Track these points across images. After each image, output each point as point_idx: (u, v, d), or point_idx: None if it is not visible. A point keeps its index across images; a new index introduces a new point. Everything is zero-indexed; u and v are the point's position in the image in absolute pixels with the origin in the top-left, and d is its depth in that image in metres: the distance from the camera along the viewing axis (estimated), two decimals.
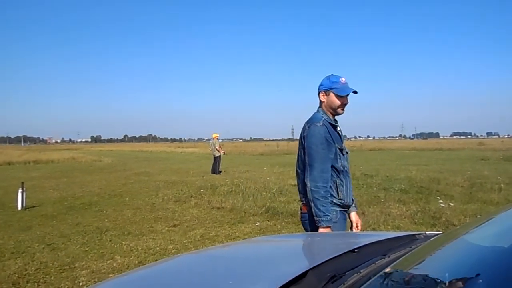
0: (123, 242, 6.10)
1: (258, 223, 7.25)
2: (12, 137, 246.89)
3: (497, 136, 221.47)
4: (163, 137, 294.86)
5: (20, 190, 8.97)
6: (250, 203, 8.89)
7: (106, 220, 7.78)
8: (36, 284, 4.32)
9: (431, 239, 1.72)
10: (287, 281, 1.32)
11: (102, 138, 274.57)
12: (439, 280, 1.23)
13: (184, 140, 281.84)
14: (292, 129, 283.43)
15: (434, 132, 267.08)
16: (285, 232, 6.63)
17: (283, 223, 7.25)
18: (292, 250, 1.93)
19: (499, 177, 12.32)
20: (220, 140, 18.10)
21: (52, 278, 4.51)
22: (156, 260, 5.10)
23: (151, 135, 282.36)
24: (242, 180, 12.63)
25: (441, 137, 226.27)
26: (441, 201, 8.49)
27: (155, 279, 1.61)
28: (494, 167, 17.61)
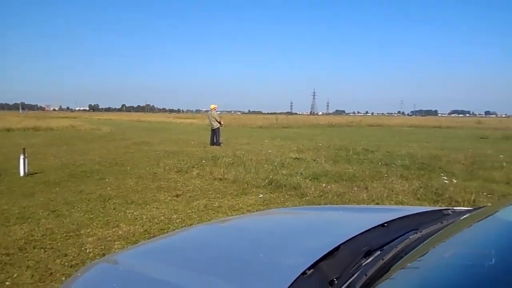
0: (127, 211, 6.09)
1: (261, 195, 7.24)
2: (10, 103, 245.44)
3: (495, 115, 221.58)
4: (161, 108, 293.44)
5: (22, 157, 8.92)
6: (253, 175, 8.87)
7: (108, 189, 7.77)
8: (42, 250, 4.31)
9: (464, 216, 1.68)
10: (321, 255, 1.28)
11: (100, 107, 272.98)
12: (477, 257, 1.19)
13: (183, 111, 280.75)
14: (291, 103, 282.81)
15: (433, 109, 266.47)
16: (288, 204, 6.63)
17: (286, 196, 7.24)
18: (317, 223, 1.89)
19: (500, 156, 12.33)
20: (218, 112, 17.84)
21: (59, 244, 4.51)
22: (162, 230, 5.11)
23: (149, 105, 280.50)
24: (243, 152, 12.59)
25: (439, 115, 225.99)
26: (445, 177, 8.48)
27: (183, 249, 1.57)
28: (494, 146, 17.62)
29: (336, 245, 1.36)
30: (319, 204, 6.58)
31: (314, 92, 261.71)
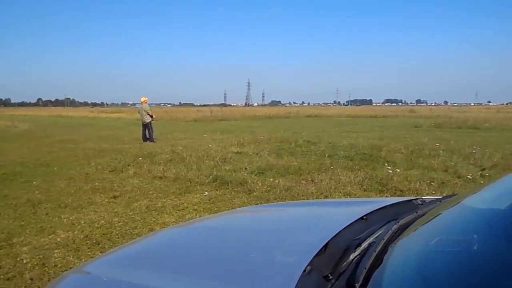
0: (62, 216, 5.88)
1: (206, 193, 7.24)
2: None
3: (425, 104, 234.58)
4: (82, 101, 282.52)
5: None
6: (195, 172, 8.84)
7: (36, 192, 7.43)
8: None
9: (435, 204, 1.82)
10: (314, 254, 1.35)
11: (12, 102, 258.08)
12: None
13: (107, 104, 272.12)
14: (225, 94, 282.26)
15: (368, 99, 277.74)
16: (236, 201, 6.68)
17: (233, 192, 7.29)
18: (296, 220, 1.95)
19: (437, 144, 13.13)
20: (147, 105, 17.43)
21: None
22: (104, 235, 4.99)
23: (69, 98, 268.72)
24: (181, 148, 12.49)
25: (374, 104, 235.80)
26: (389, 167, 8.92)
27: (161, 256, 1.57)
28: (427, 134, 18.71)
29: (325, 241, 1.43)
30: (268, 200, 6.71)
31: (248, 83, 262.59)
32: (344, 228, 1.59)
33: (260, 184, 7.66)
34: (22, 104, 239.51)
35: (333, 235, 1.50)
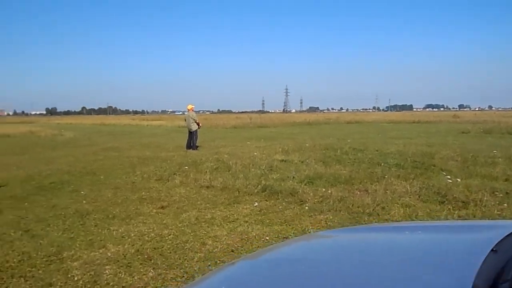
0: (111, 227, 5.71)
1: (256, 203, 6.96)
2: None
3: (468, 109, 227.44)
4: (124, 109, 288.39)
5: None
6: (242, 181, 8.57)
7: (84, 202, 7.35)
8: (22, 279, 3.91)
9: None
10: None
11: (58, 111, 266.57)
12: None
13: (147, 112, 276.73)
14: (263, 101, 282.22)
15: (408, 104, 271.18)
16: (289, 213, 6.36)
17: (283, 203, 6.98)
18: (403, 250, 1.58)
19: (494, 151, 12.41)
20: (194, 112, 17.34)
21: (40, 271, 4.10)
22: (155, 249, 4.76)
23: (111, 107, 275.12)
24: (225, 156, 12.26)
25: (414, 109, 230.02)
26: (448, 176, 8.40)
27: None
28: (478, 141, 17.87)
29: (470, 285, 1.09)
30: (322, 212, 6.36)
31: (286, 89, 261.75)
32: (481, 266, 1.23)
33: (311, 194, 7.31)
34: (67, 113, 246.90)
35: (472, 277, 1.15)
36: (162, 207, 6.90)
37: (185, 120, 17.17)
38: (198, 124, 16.68)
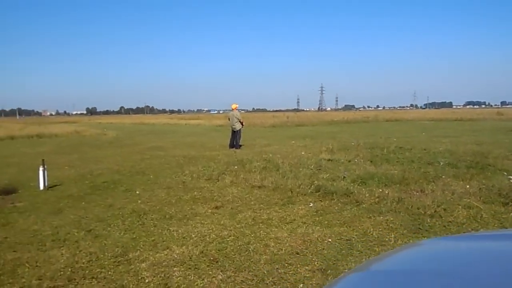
0: (170, 228, 5.71)
1: (311, 204, 6.85)
2: (7, 110, 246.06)
3: (511, 106, 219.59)
4: (160, 109, 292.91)
5: (41, 168, 8.58)
6: (293, 180, 8.46)
7: (139, 201, 7.41)
8: (95, 280, 3.92)
9: None
10: None
11: (97, 110, 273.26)
12: None
13: (183, 111, 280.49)
14: (298, 99, 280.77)
15: (447, 101, 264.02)
16: (346, 214, 6.22)
17: (339, 204, 6.84)
18: None
19: None
20: (238, 111, 17.34)
21: (110, 272, 4.10)
22: (219, 251, 4.71)
23: (148, 106, 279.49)
24: (271, 155, 12.18)
25: (454, 107, 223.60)
26: (510, 176, 8.04)
27: None
28: None
29: None
30: (380, 213, 6.19)
31: (321, 87, 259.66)
32: None
33: (367, 195, 7.14)
34: (106, 113, 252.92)
35: None
36: (217, 207, 6.86)
37: (229, 119, 17.18)
38: (242, 123, 16.68)
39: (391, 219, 5.87)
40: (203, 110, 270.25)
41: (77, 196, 8.01)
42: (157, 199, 7.61)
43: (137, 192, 8.22)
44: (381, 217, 5.99)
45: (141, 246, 4.95)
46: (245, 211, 6.56)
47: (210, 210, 6.71)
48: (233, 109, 17.00)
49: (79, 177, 10.14)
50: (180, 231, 5.55)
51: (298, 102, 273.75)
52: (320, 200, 7.13)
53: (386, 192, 7.27)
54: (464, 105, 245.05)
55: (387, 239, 5.04)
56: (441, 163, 10.34)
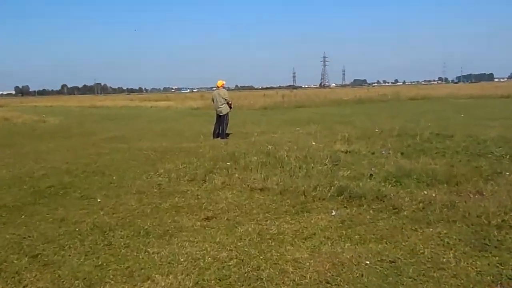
0: (149, 249, 5.46)
1: (334, 212, 6.69)
2: None
3: None
4: (115, 87, 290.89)
5: None
6: (304, 180, 8.28)
7: (101, 213, 7.15)
8: None
9: None
10: None
11: (30, 90, 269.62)
12: None
13: (146, 90, 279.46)
14: (294, 73, 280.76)
15: (487, 73, 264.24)
16: (383, 225, 6.03)
17: (371, 211, 6.68)
18: None
19: None
20: (226, 90, 17.07)
21: None
22: (219, 281, 4.46)
23: (100, 84, 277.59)
24: (270, 147, 11.91)
25: (496, 80, 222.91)
26: None
27: None
28: None
29: None
30: (428, 223, 6.02)
31: (324, 57, 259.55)
32: None
33: (407, 199, 6.98)
34: (43, 93, 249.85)
35: None
36: (207, 219, 6.67)
37: (213, 100, 16.93)
38: (230, 106, 16.44)
39: (444, 231, 5.72)
40: (172, 89, 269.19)
41: (13, 207, 7.70)
42: (125, 208, 7.38)
43: (98, 199, 7.97)
44: (431, 229, 5.84)
45: (111, 277, 4.68)
46: (246, 223, 6.39)
47: (199, 223, 6.51)
48: (218, 87, 16.76)
49: (14, 180, 9.81)
50: (163, 253, 5.31)
51: (294, 76, 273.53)
52: (345, 207, 7.00)
53: (432, 194, 7.10)
54: (510, 78, 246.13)
55: (444, 259, 4.86)
56: (496, 154, 10.22)
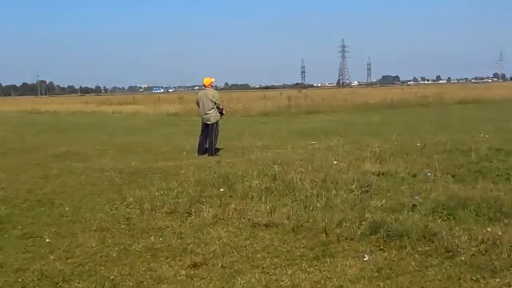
0: None
1: (366, 257, 6.65)
2: None
3: None
4: (64, 86, 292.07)
5: None
6: (324, 213, 8.32)
7: (51, 257, 7.11)
8: None
9: None
10: None
11: None
12: None
13: (105, 90, 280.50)
14: (302, 67, 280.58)
15: None
16: (433, 274, 6.00)
17: (416, 255, 6.68)
18: None
19: None
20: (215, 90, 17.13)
21: None
22: None
23: (44, 82, 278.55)
24: (276, 167, 11.90)
25: None
26: None
27: None
28: None
29: None
30: (494, 271, 6.03)
31: (343, 46, 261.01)
32: None
33: (464, 238, 6.94)
34: None
35: None
36: (195, 266, 6.65)
37: (198, 103, 17.06)
38: (221, 111, 16.45)
39: None
40: (140, 88, 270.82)
41: None
42: (83, 251, 7.36)
43: (46, 239, 7.95)
44: (497, 280, 5.86)
45: None
46: (248, 272, 6.38)
47: (183, 271, 6.49)
48: (205, 86, 16.92)
49: None
50: None
51: (303, 72, 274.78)
52: (381, 249, 7.02)
53: (498, 232, 7.07)
54: None
55: None
56: None
